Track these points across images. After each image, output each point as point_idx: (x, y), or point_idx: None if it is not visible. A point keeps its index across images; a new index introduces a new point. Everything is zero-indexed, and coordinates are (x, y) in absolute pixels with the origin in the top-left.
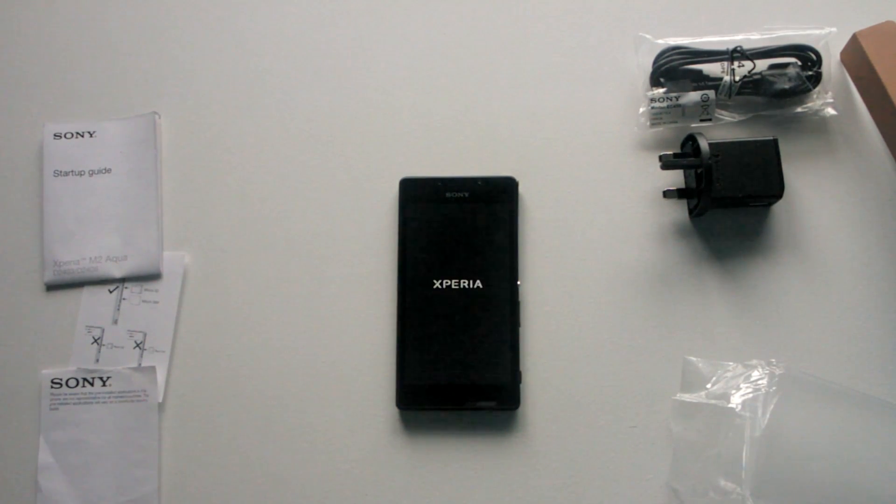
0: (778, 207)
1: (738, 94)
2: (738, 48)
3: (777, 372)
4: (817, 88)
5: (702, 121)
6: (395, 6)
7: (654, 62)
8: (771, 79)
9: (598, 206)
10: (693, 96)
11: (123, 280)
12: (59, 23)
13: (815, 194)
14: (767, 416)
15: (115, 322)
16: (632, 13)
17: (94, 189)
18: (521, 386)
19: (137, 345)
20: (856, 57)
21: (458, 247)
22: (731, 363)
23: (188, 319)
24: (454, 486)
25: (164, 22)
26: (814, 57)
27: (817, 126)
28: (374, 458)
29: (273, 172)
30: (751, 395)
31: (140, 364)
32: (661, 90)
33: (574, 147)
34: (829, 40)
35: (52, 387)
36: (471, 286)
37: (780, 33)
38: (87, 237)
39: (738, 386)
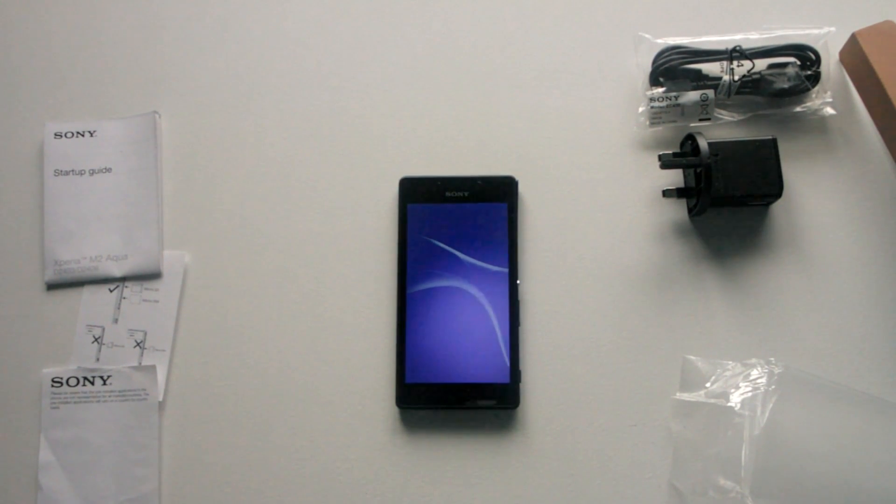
0: (777, 207)
1: (738, 93)
2: (738, 48)
3: (776, 371)
4: (816, 88)
5: (701, 120)
6: (395, 6)
7: (654, 62)
8: (770, 78)
9: (598, 205)
10: (692, 96)
11: (124, 279)
12: (60, 22)
13: (814, 193)
14: (766, 414)
15: (116, 321)
16: (631, 13)
17: (94, 188)
18: (521, 385)
19: (138, 344)
20: (855, 56)
21: (457, 246)
22: (730, 362)
23: (188, 318)
24: (454, 485)
25: (165, 22)
26: (813, 56)
27: (816, 125)
28: (374, 458)
29: (273, 172)
30: (750, 394)
31: (140, 363)
32: (661, 90)
33: (573, 146)
34: (828, 40)
35: (52, 385)
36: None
37: (779, 33)
38: (87, 236)
39: (738, 385)
